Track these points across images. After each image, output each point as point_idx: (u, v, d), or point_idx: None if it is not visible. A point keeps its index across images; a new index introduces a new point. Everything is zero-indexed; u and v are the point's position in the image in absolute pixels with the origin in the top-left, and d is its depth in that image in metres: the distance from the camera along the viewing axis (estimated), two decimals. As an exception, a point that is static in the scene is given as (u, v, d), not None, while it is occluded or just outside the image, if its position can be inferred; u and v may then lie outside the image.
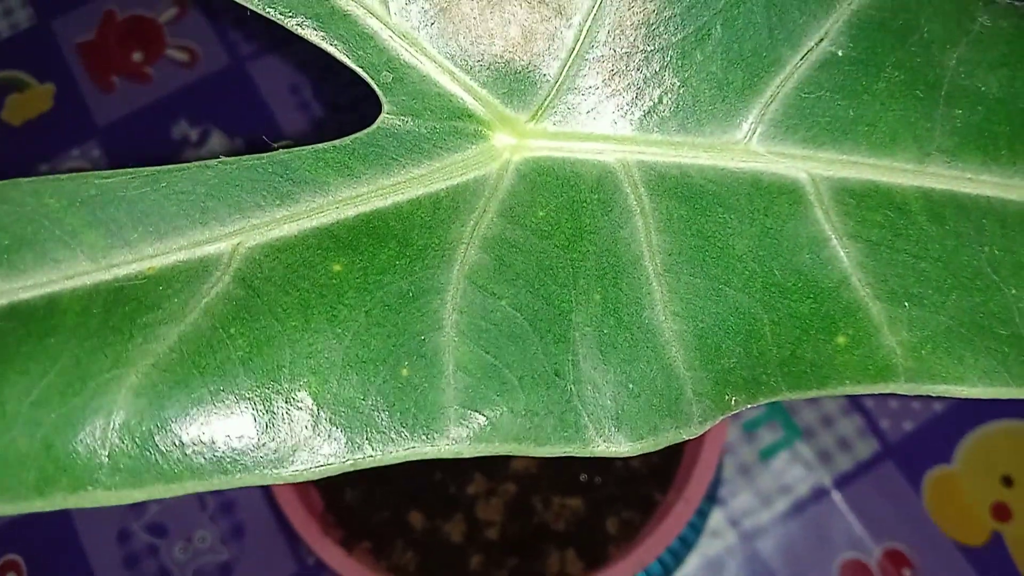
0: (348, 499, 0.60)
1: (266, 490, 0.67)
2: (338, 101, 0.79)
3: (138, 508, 0.67)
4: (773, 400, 0.23)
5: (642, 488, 0.59)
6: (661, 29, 0.23)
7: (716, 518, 0.66)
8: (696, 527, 0.63)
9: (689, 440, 0.25)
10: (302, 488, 0.56)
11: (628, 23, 0.23)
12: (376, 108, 0.24)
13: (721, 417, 0.23)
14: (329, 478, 0.21)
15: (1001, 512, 0.65)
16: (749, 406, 0.23)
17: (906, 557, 0.64)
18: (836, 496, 0.66)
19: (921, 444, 0.67)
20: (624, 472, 0.60)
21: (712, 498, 0.65)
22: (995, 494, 0.66)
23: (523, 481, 0.60)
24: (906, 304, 0.23)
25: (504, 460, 0.60)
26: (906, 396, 0.71)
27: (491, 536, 0.59)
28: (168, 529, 0.67)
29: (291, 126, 0.79)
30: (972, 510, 0.65)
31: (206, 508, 0.68)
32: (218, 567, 0.66)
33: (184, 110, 0.80)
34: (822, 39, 0.24)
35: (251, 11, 0.22)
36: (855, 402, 0.69)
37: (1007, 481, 0.66)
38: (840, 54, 0.24)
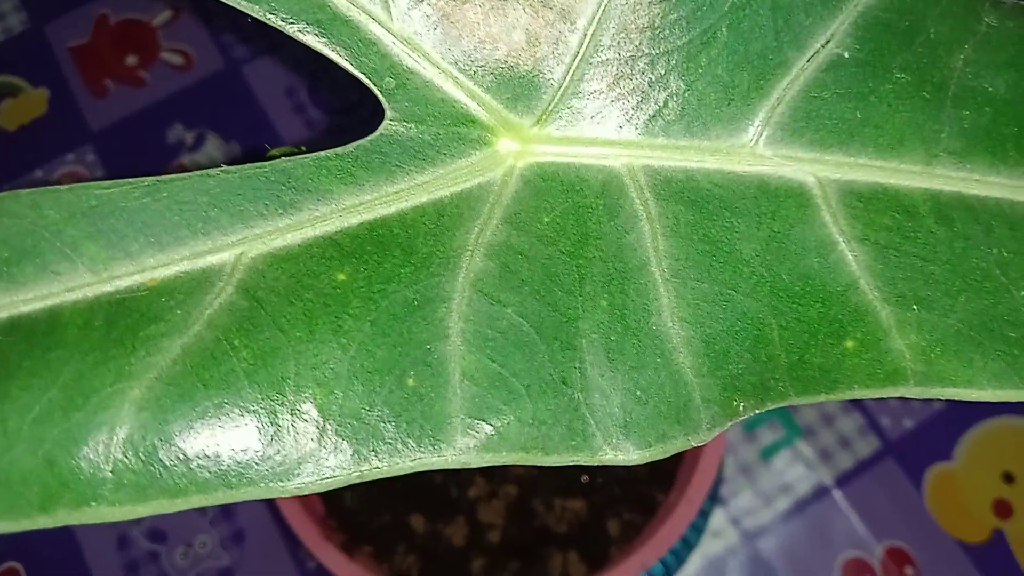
0: (349, 503, 0.59)
1: (266, 495, 0.67)
2: (334, 104, 0.79)
3: (137, 514, 0.67)
4: (781, 405, 0.23)
5: (643, 489, 0.59)
6: (667, 32, 0.23)
7: (717, 518, 0.66)
8: (698, 527, 0.63)
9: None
10: (303, 493, 0.56)
11: (633, 26, 0.23)
12: (374, 111, 0.23)
13: (729, 423, 0.23)
14: (330, 482, 0.20)
15: (1002, 509, 0.65)
16: (757, 412, 0.23)
17: (908, 555, 0.64)
18: (837, 495, 0.66)
19: (922, 441, 0.67)
20: (625, 473, 0.60)
21: (714, 498, 0.65)
22: (996, 491, 0.66)
23: (524, 483, 0.60)
24: (915, 307, 0.23)
25: (505, 462, 0.60)
26: (906, 394, 0.71)
27: (493, 539, 0.59)
28: (168, 535, 0.67)
29: (287, 129, 0.78)
30: (973, 507, 0.65)
31: (206, 513, 0.67)
32: (219, 572, 0.66)
33: (179, 114, 0.80)
34: (828, 41, 0.23)
35: (248, 15, 0.22)
36: (855, 400, 0.69)
37: (1008, 478, 0.66)
38: (846, 56, 0.23)
